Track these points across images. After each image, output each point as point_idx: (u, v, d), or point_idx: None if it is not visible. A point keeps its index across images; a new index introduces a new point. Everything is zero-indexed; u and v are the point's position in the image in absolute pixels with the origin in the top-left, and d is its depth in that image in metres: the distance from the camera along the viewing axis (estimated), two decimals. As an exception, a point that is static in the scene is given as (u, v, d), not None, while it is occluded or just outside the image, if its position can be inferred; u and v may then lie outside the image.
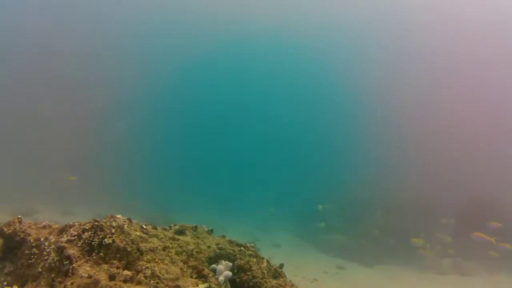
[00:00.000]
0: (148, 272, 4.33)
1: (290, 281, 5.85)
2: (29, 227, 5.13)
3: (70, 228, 4.79)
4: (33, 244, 4.76)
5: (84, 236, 4.57)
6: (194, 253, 5.14)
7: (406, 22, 48.58)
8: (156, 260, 4.59)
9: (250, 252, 5.69)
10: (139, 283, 4.21)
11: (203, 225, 5.91)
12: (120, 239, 4.56)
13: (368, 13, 50.16)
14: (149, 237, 4.88)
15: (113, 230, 4.59)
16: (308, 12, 51.60)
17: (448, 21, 46.23)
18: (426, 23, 48.03)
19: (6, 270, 4.85)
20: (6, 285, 4.62)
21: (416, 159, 31.20)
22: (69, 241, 4.51)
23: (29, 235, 4.90)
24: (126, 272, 4.32)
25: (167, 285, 4.21)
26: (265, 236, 23.08)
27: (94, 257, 4.43)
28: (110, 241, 4.47)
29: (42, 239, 4.81)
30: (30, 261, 4.69)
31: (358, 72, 51.40)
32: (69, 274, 4.27)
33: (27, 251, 4.74)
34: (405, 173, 27.11)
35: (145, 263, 4.50)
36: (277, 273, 5.83)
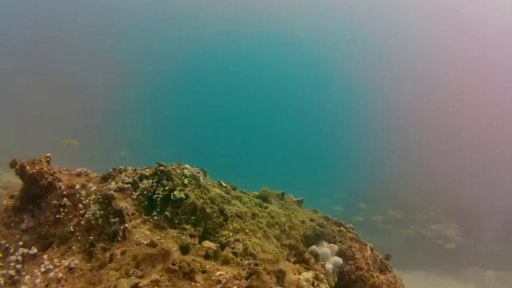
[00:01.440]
0: (240, 247, 2.80)
1: (400, 278, 4.29)
2: (60, 171, 3.64)
3: (121, 173, 3.27)
4: (65, 193, 3.28)
5: (142, 186, 3.05)
6: (286, 228, 3.60)
7: (407, 20, 46.71)
8: (246, 231, 3.06)
9: (351, 235, 4.15)
10: (226, 262, 2.69)
11: (290, 194, 4.38)
12: (196, 195, 3.03)
13: (368, 12, 48.49)
14: (232, 199, 3.33)
15: (185, 181, 3.06)
16: (308, 10, 50.05)
17: (450, 19, 44.26)
18: (427, 20, 46.13)
19: (23, 226, 3.38)
20: (22, 246, 3.14)
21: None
22: (120, 190, 2.99)
23: (59, 180, 3.43)
24: (207, 244, 2.79)
25: (265, 269, 2.66)
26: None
27: (156, 217, 2.93)
28: (182, 196, 2.94)
29: (77, 186, 3.32)
30: (58, 216, 3.22)
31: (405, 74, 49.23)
32: (118, 238, 2.78)
33: (54, 201, 3.26)
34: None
35: (231, 234, 2.97)
36: (383, 266, 4.27)
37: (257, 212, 3.38)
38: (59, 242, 3.15)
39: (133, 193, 2.98)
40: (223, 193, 3.29)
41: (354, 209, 17.28)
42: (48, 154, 3.61)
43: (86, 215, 2.99)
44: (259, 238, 3.09)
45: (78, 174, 3.81)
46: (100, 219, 2.90)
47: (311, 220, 3.98)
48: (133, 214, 2.88)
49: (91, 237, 2.96)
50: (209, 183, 3.30)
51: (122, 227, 2.76)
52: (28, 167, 3.38)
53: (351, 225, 4.29)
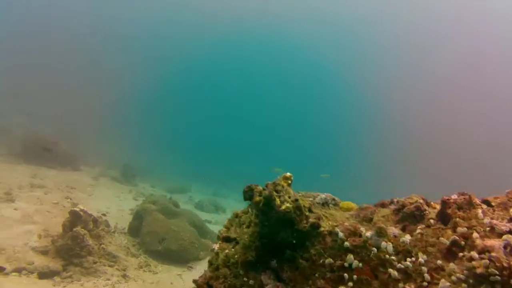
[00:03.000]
0: None
1: None
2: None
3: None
4: (347, 244, 1.91)
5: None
6: None
7: (405, 16, 44.30)
8: None
9: None
10: None
11: None
12: None
13: (369, 9, 46.04)
14: None
15: None
16: (308, 9, 47.92)
17: (455, 16, 41.92)
18: (430, 17, 43.73)
19: (269, 284, 2.01)
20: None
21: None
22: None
23: (321, 219, 2.10)
24: None
25: None
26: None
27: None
28: None
29: (366, 232, 1.96)
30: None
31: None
32: None
33: (329, 260, 1.92)
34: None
35: None
36: None
37: None
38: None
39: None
40: None
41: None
42: (288, 174, 2.26)
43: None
44: None
45: (324, 204, 2.47)
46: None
47: None
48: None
49: None
50: None
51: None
52: (277, 201, 2.07)
53: None
